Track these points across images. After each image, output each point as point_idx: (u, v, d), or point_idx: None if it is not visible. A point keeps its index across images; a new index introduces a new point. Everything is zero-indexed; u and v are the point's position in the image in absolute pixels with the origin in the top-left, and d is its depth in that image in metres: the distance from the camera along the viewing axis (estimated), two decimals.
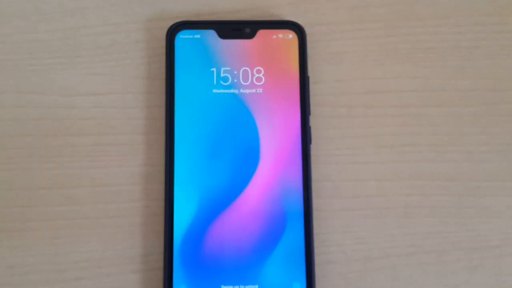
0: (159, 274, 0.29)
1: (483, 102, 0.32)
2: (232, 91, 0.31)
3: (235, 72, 0.31)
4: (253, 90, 0.31)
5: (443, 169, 0.31)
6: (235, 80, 0.31)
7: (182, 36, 0.31)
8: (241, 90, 0.31)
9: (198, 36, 0.31)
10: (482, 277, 0.30)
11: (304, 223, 0.30)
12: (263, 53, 0.31)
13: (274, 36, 0.31)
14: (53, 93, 0.31)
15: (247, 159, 0.30)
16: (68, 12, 0.32)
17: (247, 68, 0.31)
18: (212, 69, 0.31)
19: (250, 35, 0.31)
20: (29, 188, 0.30)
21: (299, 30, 0.31)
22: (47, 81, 0.31)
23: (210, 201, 0.30)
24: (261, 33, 0.31)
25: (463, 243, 0.30)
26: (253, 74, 0.31)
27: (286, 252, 0.29)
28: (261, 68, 0.31)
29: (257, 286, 0.29)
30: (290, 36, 0.31)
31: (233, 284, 0.29)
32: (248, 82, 0.31)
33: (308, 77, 0.31)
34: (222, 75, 0.31)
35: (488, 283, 0.30)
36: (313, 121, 0.31)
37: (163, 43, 0.31)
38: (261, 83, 0.31)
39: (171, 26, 0.31)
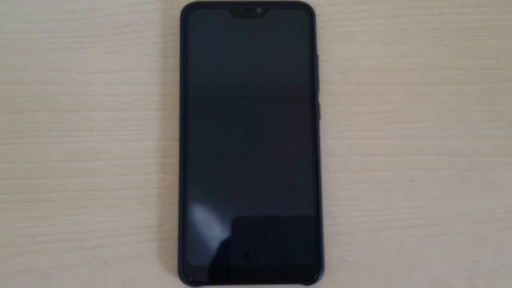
0: (174, 244, 0.30)
1: (487, 81, 0.33)
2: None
3: (247, 50, 0.32)
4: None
5: (449, 145, 0.32)
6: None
7: (196, 16, 0.32)
8: None
9: (211, 15, 0.32)
10: (486, 249, 0.31)
11: (314, 195, 0.31)
12: (273, 32, 0.32)
13: (285, 16, 0.32)
14: (72, 70, 0.32)
15: (259, 134, 0.31)
16: None
17: (258, 47, 0.32)
18: (224, 47, 0.32)
19: (261, 15, 0.32)
20: (49, 161, 0.31)
21: (308, 11, 0.32)
22: (66, 59, 0.32)
23: (223, 174, 0.31)
24: (272, 13, 0.32)
25: (468, 216, 0.31)
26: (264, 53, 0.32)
27: (296, 224, 0.30)
28: (272, 47, 0.32)
29: None
30: (300, 16, 0.32)
31: None
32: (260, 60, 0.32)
33: (317, 55, 0.32)
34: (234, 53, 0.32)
35: (492, 255, 0.31)
36: (322, 98, 0.32)
37: (178, 22, 0.32)
38: (272, 61, 0.32)
39: (185, 7, 0.32)
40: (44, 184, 0.31)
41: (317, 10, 0.33)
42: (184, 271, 0.29)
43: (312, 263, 0.30)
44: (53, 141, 0.32)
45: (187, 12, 0.32)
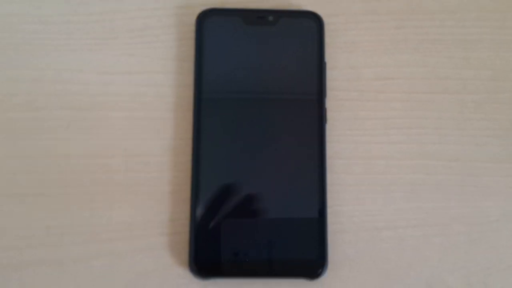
0: (185, 237, 0.32)
1: (485, 91, 0.35)
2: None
3: (258, 56, 0.33)
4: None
5: (448, 151, 0.34)
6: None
7: (211, 22, 0.34)
8: None
9: (225, 22, 0.34)
10: (481, 249, 0.33)
11: (318, 196, 0.32)
12: (284, 39, 0.34)
13: (295, 24, 0.34)
14: (90, 71, 0.34)
15: (268, 136, 0.33)
16: None
17: (269, 53, 0.33)
18: (237, 52, 0.33)
19: (273, 23, 0.34)
20: (66, 156, 0.33)
21: (317, 20, 0.34)
22: (84, 60, 0.34)
23: (233, 173, 0.32)
24: (283, 21, 0.34)
25: (464, 218, 0.33)
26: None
27: (302, 221, 0.32)
28: (282, 53, 0.33)
29: None
30: (309, 25, 0.34)
31: None
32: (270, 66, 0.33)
33: (325, 63, 0.34)
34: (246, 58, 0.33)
35: (486, 255, 0.33)
36: (328, 103, 0.34)
37: (192, 27, 0.34)
38: (282, 67, 0.33)
39: (201, 13, 0.34)
40: (61, 179, 0.32)
41: (326, 20, 0.34)
42: (195, 263, 0.31)
43: (317, 259, 0.31)
44: (71, 138, 0.33)
45: (202, 18, 0.34)
